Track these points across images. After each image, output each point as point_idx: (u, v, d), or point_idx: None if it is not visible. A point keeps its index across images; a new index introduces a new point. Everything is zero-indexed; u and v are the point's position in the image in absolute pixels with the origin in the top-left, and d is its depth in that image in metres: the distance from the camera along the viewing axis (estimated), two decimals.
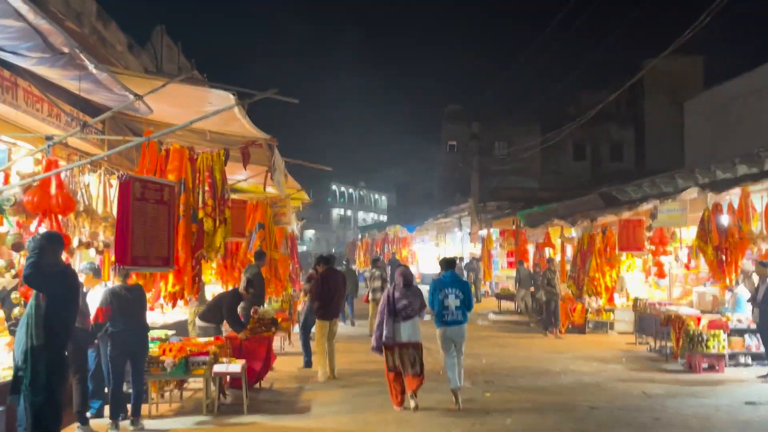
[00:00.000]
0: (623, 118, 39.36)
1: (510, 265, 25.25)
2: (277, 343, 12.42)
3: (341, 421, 7.00)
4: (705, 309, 12.04)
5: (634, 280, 16.48)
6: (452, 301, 7.47)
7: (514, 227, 23.12)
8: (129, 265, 5.28)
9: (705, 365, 9.97)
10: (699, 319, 10.47)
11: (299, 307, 14.38)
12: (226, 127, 7.81)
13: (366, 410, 7.43)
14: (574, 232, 18.53)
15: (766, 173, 11.11)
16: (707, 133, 26.14)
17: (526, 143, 35.10)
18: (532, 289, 20.76)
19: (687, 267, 14.50)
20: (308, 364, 10.23)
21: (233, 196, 12.38)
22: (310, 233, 69.55)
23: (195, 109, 5.97)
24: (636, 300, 13.52)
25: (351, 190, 78.23)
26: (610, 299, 15.66)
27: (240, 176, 11.65)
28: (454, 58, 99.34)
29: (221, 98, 5.77)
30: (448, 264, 8.06)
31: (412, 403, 7.31)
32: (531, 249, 22.20)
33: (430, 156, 49.24)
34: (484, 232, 26.36)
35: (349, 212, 77.82)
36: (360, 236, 48.84)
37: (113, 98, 5.75)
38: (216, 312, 8.69)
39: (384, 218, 59.25)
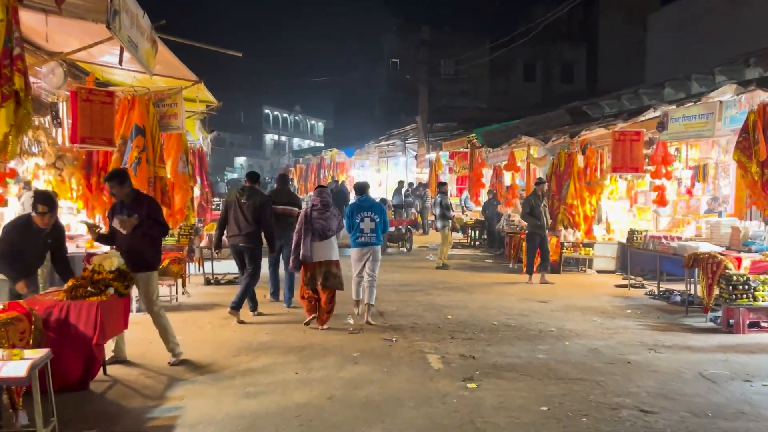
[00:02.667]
0: (576, 37, 37.35)
1: (460, 192, 22.52)
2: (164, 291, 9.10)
3: None
4: (721, 244, 9.45)
5: (614, 209, 13.86)
6: (367, 224, 7.75)
7: (467, 149, 20.09)
8: None
9: (747, 322, 7.35)
10: (739, 260, 7.78)
11: (203, 242, 10.97)
12: None
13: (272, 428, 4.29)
14: (542, 152, 15.65)
15: None
16: (671, 50, 23.57)
17: (475, 61, 32.06)
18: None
19: (690, 192, 11.90)
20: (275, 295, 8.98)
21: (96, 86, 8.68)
22: (241, 160, 65.02)
23: None
24: (632, 233, 10.80)
25: (285, 115, 73.77)
26: (588, 231, 13.03)
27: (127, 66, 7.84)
28: None
29: None
30: (362, 189, 8.18)
31: (324, 326, 7.37)
32: (487, 173, 19.33)
33: (371, 75, 45.54)
34: (432, 156, 23.29)
35: (283, 138, 73.68)
36: (294, 161, 45.10)
37: None
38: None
39: (321, 145, 55.38)
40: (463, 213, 19.39)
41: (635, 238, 10.62)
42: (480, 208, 18.08)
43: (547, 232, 11.42)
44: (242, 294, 7.71)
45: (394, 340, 6.74)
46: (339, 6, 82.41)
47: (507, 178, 18.26)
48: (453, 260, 14.38)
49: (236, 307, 7.62)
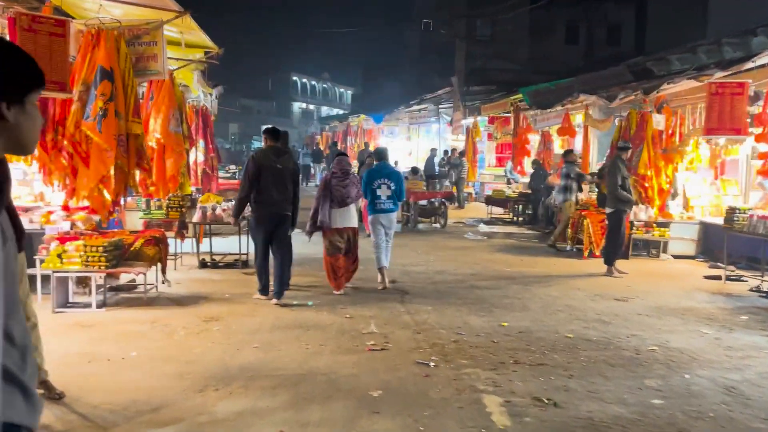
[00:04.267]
0: None
1: (499, 161, 20.30)
2: (150, 278, 7.27)
3: None
4: None
5: (692, 182, 11.54)
6: (384, 191, 7.82)
7: (510, 113, 17.75)
8: None
9: None
10: None
11: (195, 217, 9.05)
12: None
13: None
14: (600, 114, 13.31)
15: None
16: (738, 5, 20.66)
17: (512, 22, 29.45)
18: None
19: None
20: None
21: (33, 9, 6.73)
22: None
23: None
24: (732, 211, 8.54)
25: (314, 82, 71.78)
26: (662, 208, 10.80)
27: None
28: None
29: None
30: (380, 155, 8.29)
31: (340, 290, 7.32)
32: (533, 140, 17.02)
33: (401, 38, 43.08)
34: (469, 121, 20.99)
35: (311, 106, 71.86)
36: (320, 129, 43.20)
37: None
38: None
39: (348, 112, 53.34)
40: (508, 185, 17.31)
41: (736, 218, 8.37)
42: (527, 180, 15.88)
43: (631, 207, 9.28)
44: (287, 276, 7.00)
45: (432, 364, 4.71)
46: None
47: (557, 144, 16.00)
48: (497, 238, 12.32)
49: (279, 295, 6.86)
